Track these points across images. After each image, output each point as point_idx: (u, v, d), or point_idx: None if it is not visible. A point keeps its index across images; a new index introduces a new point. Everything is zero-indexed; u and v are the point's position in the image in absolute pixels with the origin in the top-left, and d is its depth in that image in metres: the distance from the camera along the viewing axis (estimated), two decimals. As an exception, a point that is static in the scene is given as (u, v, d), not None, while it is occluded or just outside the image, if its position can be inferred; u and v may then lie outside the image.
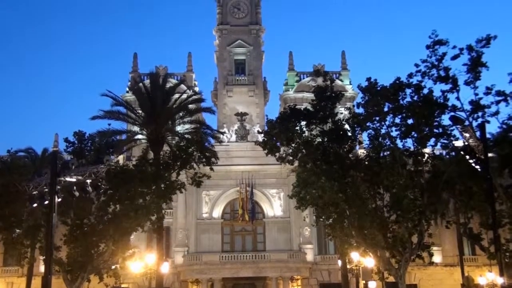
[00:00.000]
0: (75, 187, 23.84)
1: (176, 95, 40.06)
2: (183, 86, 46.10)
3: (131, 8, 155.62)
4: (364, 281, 34.70)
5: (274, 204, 51.43)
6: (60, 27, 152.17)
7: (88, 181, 24.45)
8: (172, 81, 47.08)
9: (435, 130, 27.43)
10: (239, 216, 49.20)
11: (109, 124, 36.47)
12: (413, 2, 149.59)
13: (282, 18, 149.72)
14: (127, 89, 52.20)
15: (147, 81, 42.16)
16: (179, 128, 40.86)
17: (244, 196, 49.08)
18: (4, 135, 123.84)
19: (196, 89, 53.27)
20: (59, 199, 23.50)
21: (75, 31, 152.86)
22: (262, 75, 58.24)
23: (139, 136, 39.49)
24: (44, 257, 26.49)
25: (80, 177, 24.31)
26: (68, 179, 23.72)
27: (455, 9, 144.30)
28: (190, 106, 40.44)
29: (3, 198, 30.34)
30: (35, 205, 23.75)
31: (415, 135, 28.06)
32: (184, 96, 40.83)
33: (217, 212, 51.36)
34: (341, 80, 54.52)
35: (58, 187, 22.92)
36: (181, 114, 39.56)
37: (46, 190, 22.83)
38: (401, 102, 28.23)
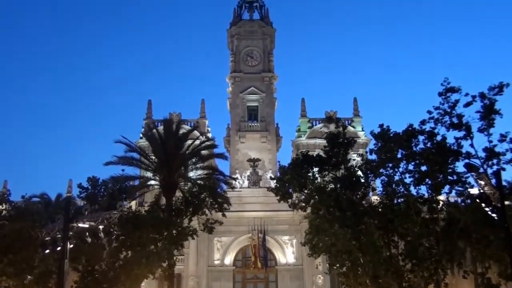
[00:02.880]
0: (87, 233, 23.94)
1: (189, 141, 40.34)
2: (196, 132, 46.52)
3: (145, 55, 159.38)
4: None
5: (286, 251, 50.74)
6: (75, 72, 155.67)
7: (101, 227, 24.56)
8: (186, 127, 47.55)
9: (449, 177, 27.12)
10: (251, 263, 48.51)
11: (123, 170, 36.72)
12: (425, 50, 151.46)
13: (295, 65, 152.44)
14: (141, 135, 52.77)
15: (160, 128, 42.59)
16: (191, 174, 40.95)
17: (256, 243, 48.51)
18: (20, 181, 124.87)
19: (209, 135, 53.71)
20: (71, 245, 23.52)
21: (90, 76, 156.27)
22: (274, 122, 58.71)
23: (152, 182, 39.59)
24: (54, 304, 26.22)
25: (92, 223, 24.45)
26: (80, 225, 23.84)
27: (467, 56, 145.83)
28: (203, 152, 40.63)
29: (16, 244, 30.27)
30: (47, 251, 23.74)
31: (429, 182, 27.77)
32: (197, 142, 41.09)
33: (229, 259, 50.71)
34: (354, 127, 54.69)
35: (71, 233, 22.99)
36: (194, 160, 39.72)
37: (59, 236, 22.90)
38: (414, 148, 28.09)
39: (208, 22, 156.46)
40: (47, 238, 23.72)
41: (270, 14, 63.61)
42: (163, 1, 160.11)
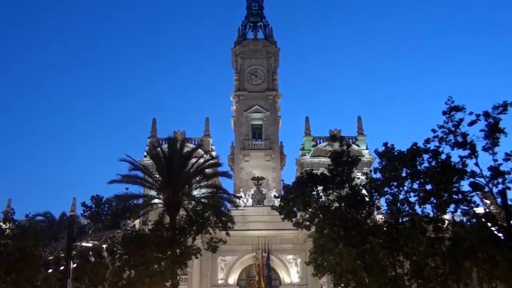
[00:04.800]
0: (91, 252, 23.86)
1: (193, 160, 40.29)
2: (200, 151, 46.52)
3: (150, 74, 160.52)
4: None
5: (290, 271, 50.33)
6: (79, 91, 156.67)
7: (104, 246, 24.47)
8: (190, 146, 47.59)
9: (454, 196, 26.93)
10: (255, 283, 48.05)
11: (127, 188, 36.64)
12: (429, 69, 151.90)
13: (299, 84, 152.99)
14: (145, 153, 52.83)
15: (165, 146, 42.62)
16: (195, 193, 40.82)
17: (260, 262, 48.15)
18: (24, 199, 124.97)
19: (213, 153, 53.66)
20: (74, 265, 23.42)
21: (94, 95, 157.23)
22: (278, 140, 58.72)
23: (156, 200, 39.47)
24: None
25: (96, 242, 24.39)
26: (84, 244, 23.77)
27: (471, 75, 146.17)
28: (207, 170, 40.53)
29: (18, 264, 30.16)
30: (50, 270, 23.66)
31: (434, 201, 27.60)
32: (201, 160, 41.00)
33: (233, 279, 50.33)
34: (358, 145, 54.56)
35: (74, 252, 22.91)
36: (198, 178, 39.60)
37: (62, 255, 22.82)
38: (419, 167, 27.98)
39: (213, 40, 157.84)
40: (50, 257, 23.65)
41: (274, 33, 64.15)
42: (167, 18, 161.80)
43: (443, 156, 27.23)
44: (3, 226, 34.03)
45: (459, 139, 26.26)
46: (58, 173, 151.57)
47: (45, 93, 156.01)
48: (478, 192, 23.85)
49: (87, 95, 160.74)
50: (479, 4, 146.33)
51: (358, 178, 34.49)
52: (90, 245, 23.81)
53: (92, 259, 24.19)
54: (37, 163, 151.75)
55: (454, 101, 26.36)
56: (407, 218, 28.56)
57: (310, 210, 30.11)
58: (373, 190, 30.04)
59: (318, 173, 32.11)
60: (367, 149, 54.89)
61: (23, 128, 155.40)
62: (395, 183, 28.50)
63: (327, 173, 31.14)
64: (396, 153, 28.47)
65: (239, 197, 48.41)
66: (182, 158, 39.23)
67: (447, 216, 29.10)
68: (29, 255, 29.28)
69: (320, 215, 29.76)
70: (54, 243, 25.02)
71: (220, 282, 49.92)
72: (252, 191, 53.68)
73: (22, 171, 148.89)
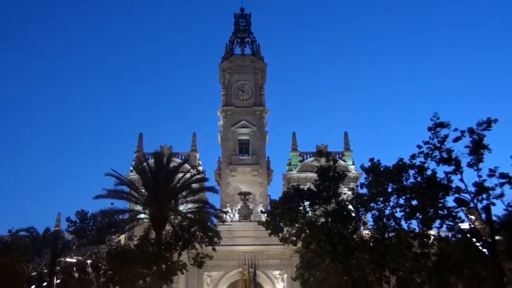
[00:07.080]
0: (75, 268, 23.60)
1: (180, 175, 40.10)
2: (187, 166, 46.32)
3: (137, 88, 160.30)
4: None
5: (277, 286, 49.99)
6: (65, 105, 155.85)
7: (89, 261, 24.23)
8: (176, 161, 47.36)
9: (440, 212, 27.18)
10: (241, 299, 47.71)
11: (112, 204, 36.33)
12: (414, 85, 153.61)
13: (286, 99, 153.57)
14: (132, 168, 52.42)
15: (151, 161, 42.40)
16: (182, 208, 40.57)
17: (246, 278, 47.79)
18: (8, 214, 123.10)
19: (200, 168, 53.46)
20: (58, 281, 23.12)
21: (80, 109, 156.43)
22: (265, 155, 58.69)
23: (142, 216, 39.14)
24: None
25: (80, 258, 24.16)
26: (68, 259, 23.52)
27: (457, 90, 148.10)
28: (194, 185, 40.39)
29: (0, 280, 29.71)
30: (33, 287, 23.37)
31: (420, 217, 27.79)
32: (188, 175, 40.80)
33: (219, 295, 49.87)
34: (344, 161, 54.76)
35: (58, 268, 22.64)
36: (184, 193, 39.41)
37: (46, 271, 22.55)
38: (405, 183, 28.22)
39: (200, 56, 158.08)
40: (33, 273, 23.36)
41: (261, 48, 64.52)
42: (153, 34, 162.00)
43: (429, 172, 27.50)
44: (-14, 241, 33.60)
45: (444, 155, 26.56)
46: (43, 187, 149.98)
47: (30, 107, 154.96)
48: (463, 208, 24.06)
49: (72, 110, 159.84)
50: (470, 23, 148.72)
51: (345, 193, 34.66)
52: (74, 260, 23.61)
53: (76, 275, 23.94)
54: (21, 177, 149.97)
55: (440, 117, 26.73)
56: (393, 234, 28.69)
57: (296, 225, 30.16)
58: (359, 206, 30.18)
59: (305, 188, 32.20)
60: (353, 164, 55.08)
61: (6, 142, 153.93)
62: (381, 199, 28.69)
63: (314, 188, 31.26)
64: (382, 169, 28.71)
65: (226, 212, 48.18)
66: (169, 173, 39.05)
67: (432, 232, 29.25)
68: (12, 271, 28.87)
69: (307, 230, 29.81)
70: (38, 259, 24.72)
71: (206, 298, 49.42)
72: (239, 206, 53.50)
73: (5, 185, 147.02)
